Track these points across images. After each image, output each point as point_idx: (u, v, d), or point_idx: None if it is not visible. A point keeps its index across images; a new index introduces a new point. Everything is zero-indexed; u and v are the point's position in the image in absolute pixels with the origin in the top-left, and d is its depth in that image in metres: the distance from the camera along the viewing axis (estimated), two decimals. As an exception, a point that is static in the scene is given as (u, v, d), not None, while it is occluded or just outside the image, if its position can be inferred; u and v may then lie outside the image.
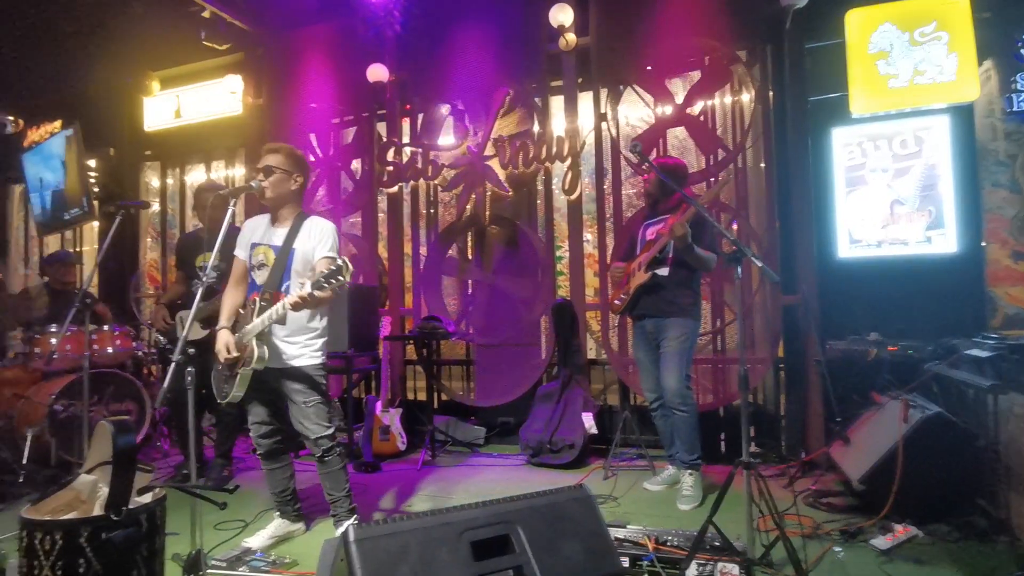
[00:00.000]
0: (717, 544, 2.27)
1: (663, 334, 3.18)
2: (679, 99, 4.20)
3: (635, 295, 3.24)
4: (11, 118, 6.05)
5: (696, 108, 4.18)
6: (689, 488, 3.10)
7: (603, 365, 4.56)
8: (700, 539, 2.19)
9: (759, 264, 2.16)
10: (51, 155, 5.94)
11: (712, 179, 4.25)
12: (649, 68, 4.31)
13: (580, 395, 4.02)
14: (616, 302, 3.40)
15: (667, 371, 3.14)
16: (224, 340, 2.52)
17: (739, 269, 2.25)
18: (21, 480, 3.43)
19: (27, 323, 4.38)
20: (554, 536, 1.62)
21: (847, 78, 3.69)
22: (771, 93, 3.99)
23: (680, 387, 3.10)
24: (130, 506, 0.94)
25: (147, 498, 1.01)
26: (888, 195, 3.70)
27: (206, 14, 5.01)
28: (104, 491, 0.97)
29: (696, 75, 4.26)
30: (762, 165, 4.13)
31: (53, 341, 3.97)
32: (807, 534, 2.53)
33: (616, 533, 2.37)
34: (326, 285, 2.22)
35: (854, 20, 3.71)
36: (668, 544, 2.35)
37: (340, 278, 2.21)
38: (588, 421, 3.86)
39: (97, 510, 0.97)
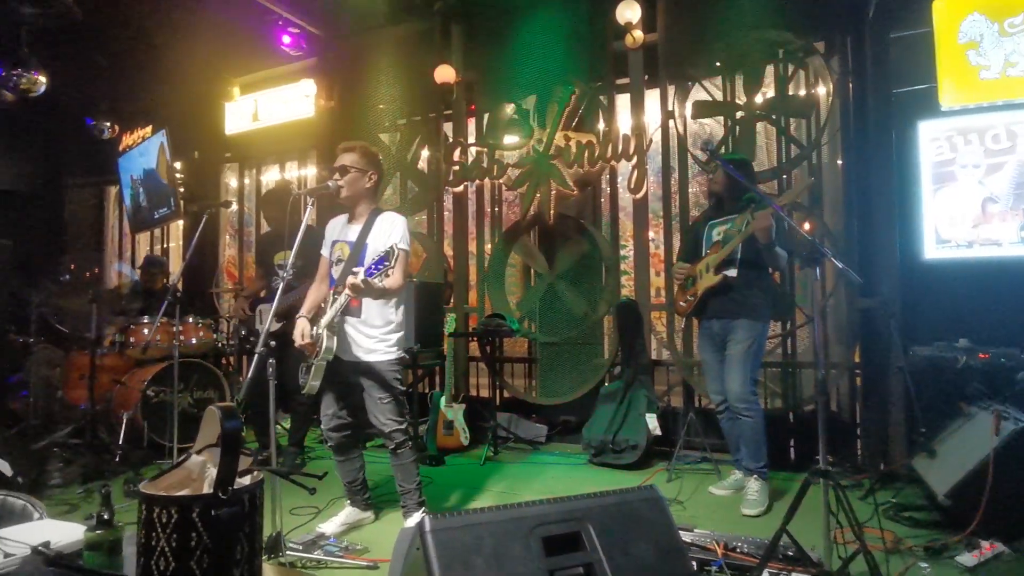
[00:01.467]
0: (791, 554, 2.20)
1: (730, 336, 3.10)
2: (749, 94, 4.08)
3: (703, 297, 3.16)
4: (108, 124, 6.51)
5: (769, 102, 4.05)
6: (755, 493, 3.00)
7: (667, 366, 4.49)
8: (773, 547, 2.13)
9: (839, 265, 2.08)
10: (143, 158, 6.38)
11: (784, 176, 4.11)
12: (718, 64, 4.22)
13: (644, 396, 3.97)
14: (682, 304, 3.34)
15: (731, 374, 3.07)
16: (300, 327, 2.65)
17: (817, 270, 2.17)
18: (117, 459, 3.70)
19: (120, 314, 4.72)
20: (625, 536, 1.61)
21: (935, 69, 3.49)
22: (851, 85, 3.82)
23: (744, 391, 3.02)
24: (235, 487, 1.01)
25: (247, 480, 1.08)
26: (980, 192, 3.47)
27: (292, 31, 5.25)
28: (212, 471, 1.05)
29: (769, 69, 4.13)
30: (839, 162, 3.97)
31: (146, 332, 4.26)
32: (889, 549, 2.41)
33: (683, 537, 2.34)
34: (376, 271, 2.30)
35: (941, 8, 3.50)
36: (738, 551, 2.30)
37: (387, 262, 2.30)
38: (652, 422, 3.82)
39: (206, 488, 1.05)
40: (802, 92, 4.17)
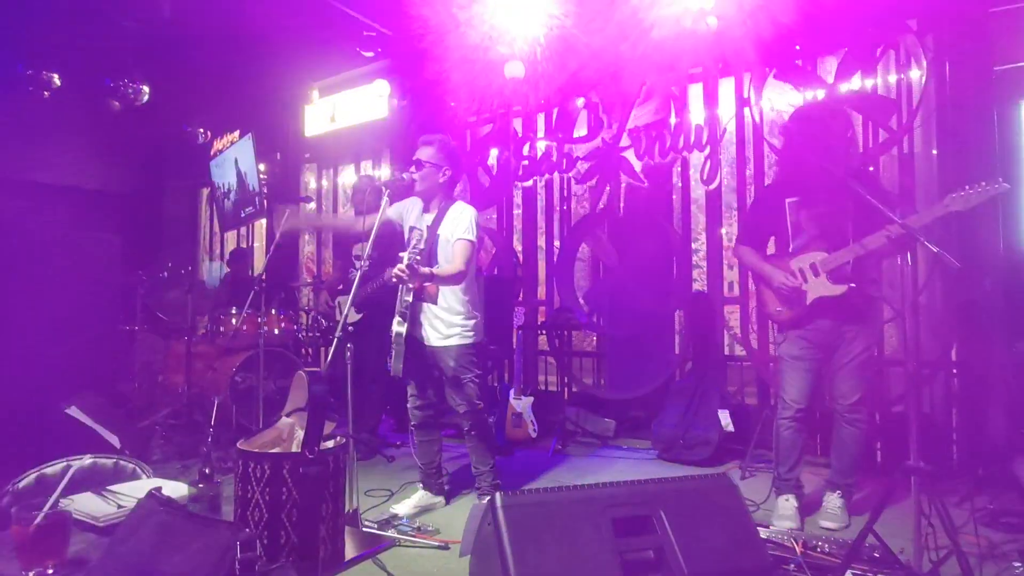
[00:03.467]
0: (877, 555, 2.09)
1: (846, 339, 2.67)
2: (832, 79, 3.89)
3: (814, 305, 2.63)
4: (201, 130, 6.98)
5: (854, 87, 3.84)
6: (836, 508, 2.71)
7: (740, 362, 4.34)
8: (858, 547, 2.03)
9: (935, 249, 1.94)
10: (231, 161, 6.80)
11: (872, 167, 3.88)
12: (798, 47, 4.04)
13: (715, 391, 3.87)
14: (779, 309, 2.73)
15: (849, 382, 2.68)
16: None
17: (908, 255, 2.04)
18: (209, 439, 3.95)
19: (211, 307, 5.06)
20: (697, 521, 1.59)
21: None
22: (947, 64, 3.57)
23: (862, 400, 2.70)
24: (320, 448, 1.07)
25: (331, 444, 1.15)
26: (1097, 176, 3.16)
27: (368, 33, 5.45)
28: (300, 433, 1.11)
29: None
30: (934, 152, 3.71)
31: (234, 322, 4.55)
32: (983, 553, 2.25)
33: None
34: (413, 253, 2.44)
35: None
36: (818, 550, 2.20)
37: (418, 246, 2.45)
38: (725, 418, 3.71)
39: (294, 449, 1.12)
40: (892, 78, 3.91)
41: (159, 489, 1.00)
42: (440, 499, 3.00)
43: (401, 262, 2.45)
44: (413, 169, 2.79)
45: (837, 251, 2.56)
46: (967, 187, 2.17)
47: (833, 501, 2.76)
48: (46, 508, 1.04)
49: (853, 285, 2.56)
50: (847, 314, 2.65)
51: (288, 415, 1.16)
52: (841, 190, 2.57)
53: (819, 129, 2.63)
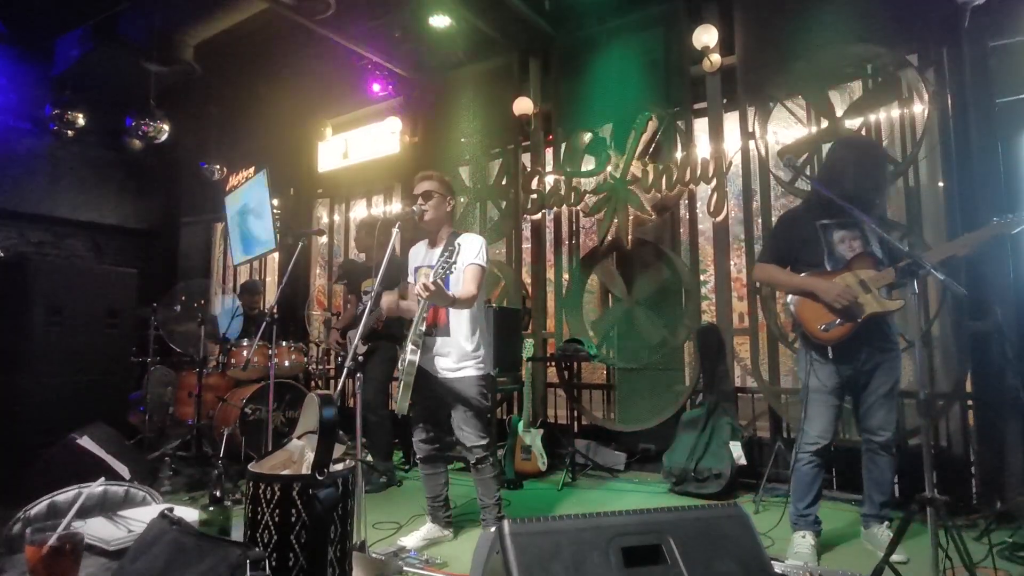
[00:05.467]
0: (894, 589, 2.04)
1: (880, 371, 2.62)
2: (837, 112, 3.95)
3: (865, 324, 2.55)
4: (217, 166, 7.16)
5: (857, 121, 3.90)
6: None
7: (751, 393, 4.30)
8: (874, 580, 1.98)
9: (941, 278, 1.95)
10: (246, 196, 6.93)
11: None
12: (800, 82, 4.12)
13: (727, 423, 3.83)
14: (821, 327, 2.58)
15: (890, 414, 2.65)
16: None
17: (915, 284, 2.05)
18: (220, 465, 3.95)
19: (222, 339, 5.10)
20: (708, 552, 1.56)
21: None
22: (950, 97, 3.62)
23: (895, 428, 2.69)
24: (330, 470, 1.08)
25: (340, 466, 1.16)
26: (1105, 205, 3.17)
27: (380, 74, 5.63)
28: (310, 455, 1.13)
29: (857, 86, 4.00)
30: (940, 184, 3.74)
31: (245, 353, 4.58)
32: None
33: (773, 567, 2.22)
34: (440, 270, 2.52)
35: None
36: (834, 585, 2.16)
37: (450, 260, 2.54)
38: (736, 451, 3.67)
39: (304, 471, 1.13)
40: (896, 111, 3.97)
41: (171, 509, 1.02)
42: (448, 532, 2.97)
43: (426, 277, 2.52)
44: (421, 201, 2.86)
45: (883, 271, 2.55)
46: (1010, 215, 2.33)
47: (887, 532, 2.68)
48: (60, 530, 1.06)
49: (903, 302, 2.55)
50: (886, 343, 2.63)
51: (299, 438, 1.18)
52: (874, 217, 2.58)
53: (861, 156, 2.65)
